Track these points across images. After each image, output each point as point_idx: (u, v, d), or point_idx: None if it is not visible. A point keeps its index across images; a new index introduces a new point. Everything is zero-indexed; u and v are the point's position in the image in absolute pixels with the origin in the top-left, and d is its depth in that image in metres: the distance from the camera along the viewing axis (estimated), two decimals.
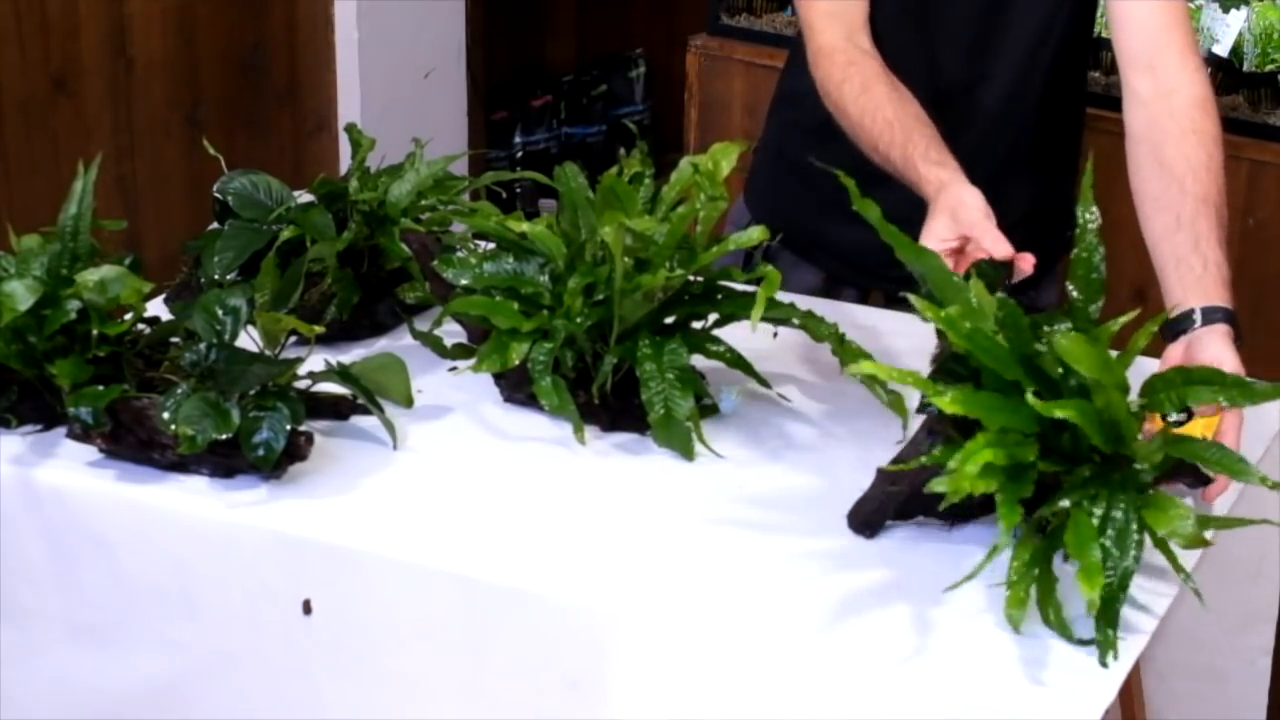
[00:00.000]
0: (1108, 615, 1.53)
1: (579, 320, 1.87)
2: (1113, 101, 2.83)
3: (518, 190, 4.50)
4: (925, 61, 2.20)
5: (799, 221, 2.31)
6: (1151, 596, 1.62)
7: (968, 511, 1.68)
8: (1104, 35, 3.02)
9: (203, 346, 1.81)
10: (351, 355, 2.03)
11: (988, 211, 1.86)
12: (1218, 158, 1.97)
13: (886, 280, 2.30)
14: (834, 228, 2.20)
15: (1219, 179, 1.95)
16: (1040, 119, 2.28)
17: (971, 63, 2.22)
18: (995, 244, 1.81)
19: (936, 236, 1.84)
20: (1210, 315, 1.84)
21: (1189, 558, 1.69)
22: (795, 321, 1.89)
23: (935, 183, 1.91)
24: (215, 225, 2.11)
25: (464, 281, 1.92)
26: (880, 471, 1.70)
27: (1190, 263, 1.89)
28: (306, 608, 1.73)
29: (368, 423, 1.89)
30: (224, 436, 1.74)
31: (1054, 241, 2.26)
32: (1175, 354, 1.83)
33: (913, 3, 2.20)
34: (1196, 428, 1.73)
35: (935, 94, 2.14)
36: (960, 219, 1.85)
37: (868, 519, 1.70)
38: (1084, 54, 2.35)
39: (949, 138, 2.04)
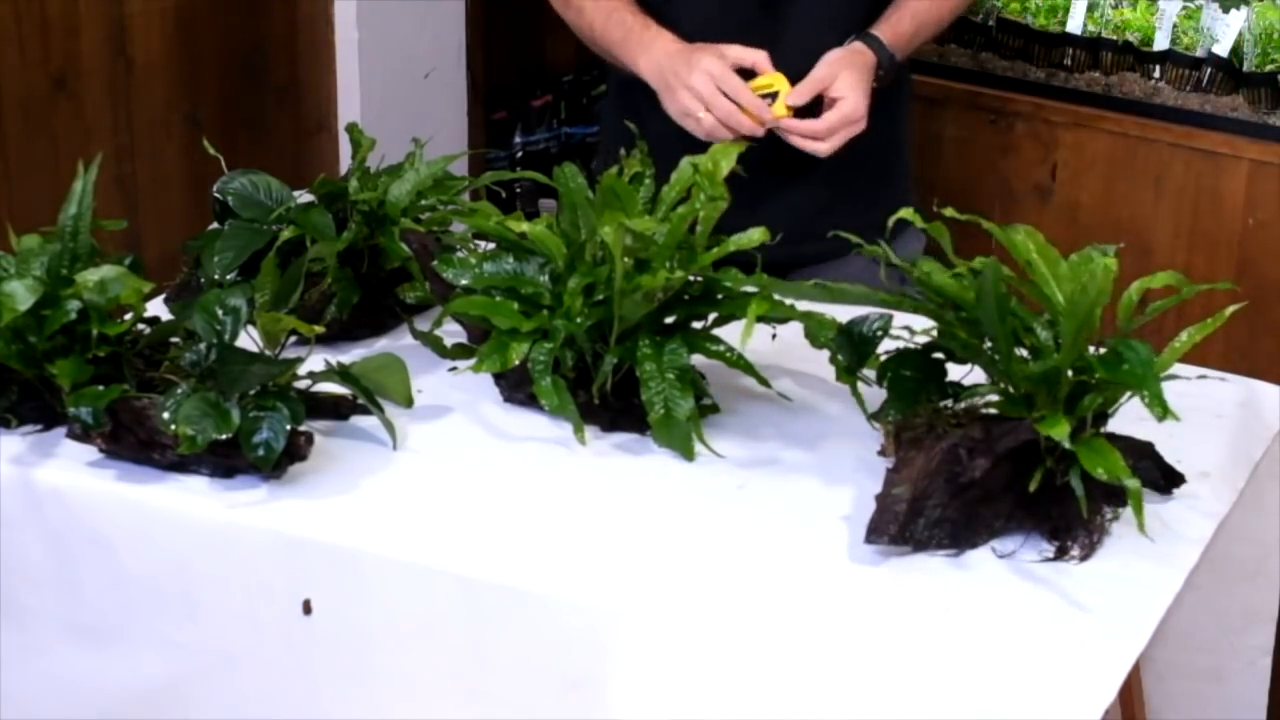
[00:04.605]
0: None
1: (579, 320, 1.87)
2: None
3: (518, 190, 4.49)
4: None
5: None
6: (1151, 596, 1.62)
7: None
8: (1105, 35, 3.02)
9: (203, 346, 1.81)
10: (351, 355, 2.03)
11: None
12: None
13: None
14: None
15: None
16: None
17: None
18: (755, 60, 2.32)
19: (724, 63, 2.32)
20: (861, 38, 2.38)
21: (1191, 558, 1.69)
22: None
23: (669, 36, 2.38)
24: (215, 225, 2.11)
25: (464, 281, 1.92)
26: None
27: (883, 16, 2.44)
28: (306, 608, 1.73)
29: (368, 423, 1.89)
30: (224, 436, 1.74)
31: (899, 187, 2.51)
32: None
33: None
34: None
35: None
36: (727, 55, 2.32)
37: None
38: None
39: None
